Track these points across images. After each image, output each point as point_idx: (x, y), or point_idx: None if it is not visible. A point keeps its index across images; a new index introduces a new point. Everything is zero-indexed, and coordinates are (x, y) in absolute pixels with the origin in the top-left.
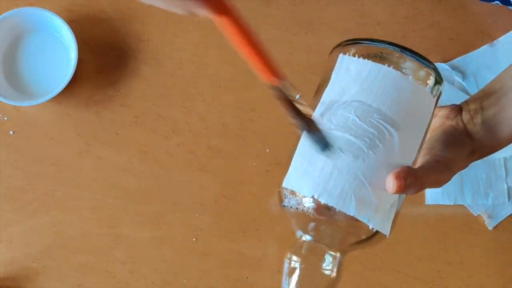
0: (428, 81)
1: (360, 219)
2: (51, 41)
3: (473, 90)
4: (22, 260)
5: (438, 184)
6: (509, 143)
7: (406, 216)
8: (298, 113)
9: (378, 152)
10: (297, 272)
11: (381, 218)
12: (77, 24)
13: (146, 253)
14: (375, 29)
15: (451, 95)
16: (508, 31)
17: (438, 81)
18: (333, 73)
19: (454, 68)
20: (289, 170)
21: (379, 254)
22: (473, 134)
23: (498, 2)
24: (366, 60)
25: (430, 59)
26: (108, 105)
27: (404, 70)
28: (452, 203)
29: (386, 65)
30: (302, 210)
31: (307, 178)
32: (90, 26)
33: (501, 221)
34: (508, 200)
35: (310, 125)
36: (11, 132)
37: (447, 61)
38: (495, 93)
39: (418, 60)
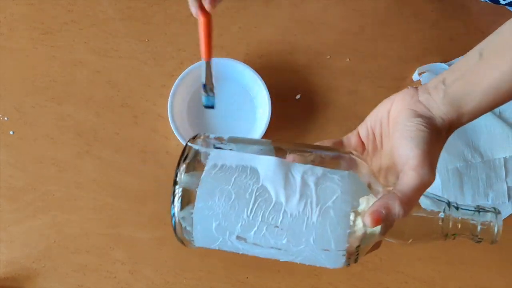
0: None
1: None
2: (237, 90)
3: None
4: (22, 260)
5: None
6: (470, 120)
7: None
8: (209, 81)
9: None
10: None
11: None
12: None
13: (147, 253)
14: (375, 29)
15: None
16: None
17: None
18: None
19: None
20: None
21: (379, 254)
22: (432, 110)
23: (487, 0)
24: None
25: (430, 59)
26: (108, 105)
27: None
28: None
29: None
30: (361, 246)
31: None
32: (95, 28)
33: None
34: (508, 200)
35: (210, 90)
36: (11, 132)
37: (447, 61)
38: (459, 70)
39: None
